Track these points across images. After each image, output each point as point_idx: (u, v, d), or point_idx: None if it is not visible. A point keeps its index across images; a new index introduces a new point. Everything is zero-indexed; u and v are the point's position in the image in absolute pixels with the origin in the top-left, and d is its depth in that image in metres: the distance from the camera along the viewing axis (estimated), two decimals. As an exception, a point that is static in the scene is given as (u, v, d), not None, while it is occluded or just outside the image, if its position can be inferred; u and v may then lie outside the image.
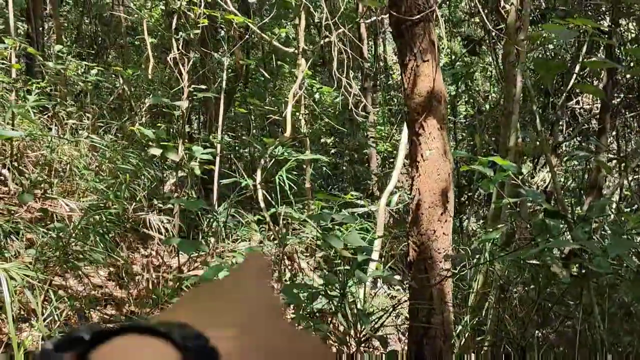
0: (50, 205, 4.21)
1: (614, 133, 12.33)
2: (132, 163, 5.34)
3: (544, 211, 3.43)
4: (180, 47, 4.74)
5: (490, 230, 3.66)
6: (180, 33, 4.79)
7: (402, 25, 3.23)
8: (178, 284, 3.51)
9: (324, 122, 11.92)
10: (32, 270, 3.00)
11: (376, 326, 2.71)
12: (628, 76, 10.53)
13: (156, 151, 3.88)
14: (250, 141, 5.02)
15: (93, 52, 11.20)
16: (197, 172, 4.37)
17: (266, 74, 7.70)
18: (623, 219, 3.28)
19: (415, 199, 3.34)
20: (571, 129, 12.20)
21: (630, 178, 12.35)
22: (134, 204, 4.89)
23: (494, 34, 6.23)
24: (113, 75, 8.06)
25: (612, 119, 10.33)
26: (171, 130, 5.12)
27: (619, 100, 11.23)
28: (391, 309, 2.82)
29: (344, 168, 12.66)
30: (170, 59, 4.67)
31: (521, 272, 3.81)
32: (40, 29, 9.39)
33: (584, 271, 3.25)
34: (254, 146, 4.68)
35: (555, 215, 3.42)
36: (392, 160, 13.24)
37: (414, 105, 3.27)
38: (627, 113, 11.88)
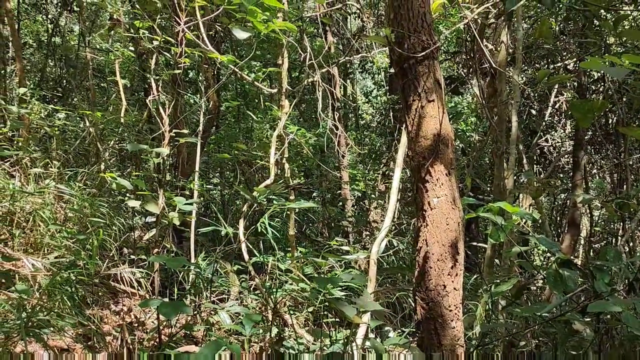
0: (13, 267, 3.79)
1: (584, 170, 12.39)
2: (102, 212, 4.94)
3: (557, 261, 3.19)
4: (159, 89, 4.43)
5: (500, 282, 3.39)
6: (153, 74, 4.50)
7: (404, 64, 3.00)
8: (159, 350, 3.12)
9: (297, 164, 11.68)
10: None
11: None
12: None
13: (135, 203, 3.54)
14: (238, 190, 4.69)
15: (58, 95, 10.80)
16: (177, 222, 4.03)
17: (253, 116, 7.41)
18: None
19: (423, 251, 3.06)
20: (540, 166, 12.21)
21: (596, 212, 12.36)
22: (106, 258, 4.49)
23: (479, 73, 6.12)
24: (79, 119, 7.68)
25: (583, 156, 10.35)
26: (145, 177, 4.77)
27: (587, 138, 11.30)
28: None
29: (318, 210, 12.38)
30: (149, 101, 4.35)
31: (530, 326, 3.53)
32: (2, 72, 8.97)
33: (606, 329, 3.00)
34: (228, 194, 4.36)
35: (569, 264, 3.18)
36: (366, 201, 13.03)
37: (419, 149, 3.02)
38: (593, 151, 11.98)
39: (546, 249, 3.24)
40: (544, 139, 12.15)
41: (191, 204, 3.88)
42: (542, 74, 2.23)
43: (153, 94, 4.31)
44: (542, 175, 12.18)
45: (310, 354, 3.27)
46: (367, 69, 14.88)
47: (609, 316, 3.18)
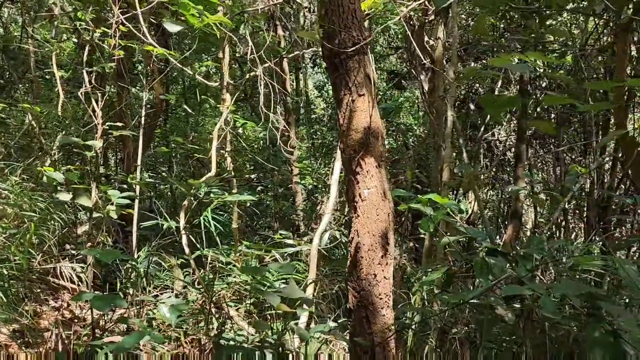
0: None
1: (526, 163, 12.80)
2: (40, 207, 4.85)
3: (485, 250, 3.32)
4: (92, 81, 4.37)
5: (430, 270, 3.51)
6: (94, 67, 4.42)
7: (336, 59, 3.06)
8: (90, 349, 3.11)
9: (248, 158, 11.64)
10: None
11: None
12: (538, 109, 10.94)
13: (65, 196, 3.49)
14: (172, 182, 4.67)
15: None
16: (114, 215, 4.00)
17: (188, 109, 7.36)
18: (573, 261, 3.21)
19: (354, 242, 3.14)
20: (487, 160, 12.57)
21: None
22: (41, 253, 4.41)
23: (419, 68, 6.26)
24: (22, 112, 7.46)
25: (527, 150, 10.69)
26: (84, 171, 4.70)
27: (530, 132, 11.67)
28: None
29: (269, 203, 12.39)
30: (81, 94, 4.29)
31: (462, 313, 3.67)
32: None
33: (528, 314, 3.14)
34: (177, 187, 4.34)
35: (496, 253, 3.32)
36: (316, 194, 13.12)
37: (350, 142, 3.09)
38: (537, 146, 12.37)
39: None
40: (490, 133, 12.49)
41: (127, 197, 3.85)
42: (468, 71, 2.32)
43: (85, 86, 4.25)
44: (487, 169, 12.54)
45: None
46: (318, 63, 14.96)
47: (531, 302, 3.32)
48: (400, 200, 3.52)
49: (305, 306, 4.43)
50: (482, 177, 8.08)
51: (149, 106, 8.20)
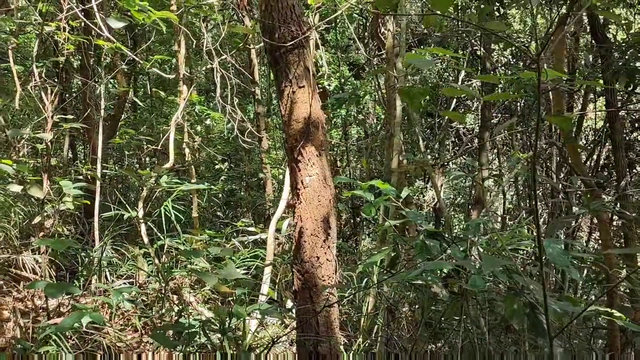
0: None
1: (495, 151, 13.12)
2: None
3: (425, 233, 3.51)
4: (43, 75, 4.44)
5: (375, 253, 3.69)
6: (46, 60, 4.48)
7: (276, 52, 3.20)
8: (43, 332, 3.22)
9: (217, 149, 11.71)
10: None
11: (258, 361, 2.60)
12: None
13: (17, 188, 3.58)
14: (126, 172, 4.77)
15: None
16: (70, 206, 4.09)
17: (138, 101, 7.42)
18: (495, 238, 3.41)
19: (298, 227, 3.30)
20: (456, 148, 12.83)
21: (510, 192, 13.13)
22: (2, 245, 4.48)
23: (375, 59, 6.41)
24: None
25: (491, 137, 10.94)
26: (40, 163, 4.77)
27: (497, 120, 11.95)
28: (271, 344, 2.72)
29: (241, 194, 12.49)
30: (31, 87, 4.36)
31: (406, 293, 3.85)
32: None
33: (462, 289, 3.34)
34: (130, 178, 4.44)
35: (435, 235, 3.50)
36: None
37: (291, 132, 3.24)
38: (501, 132, 12.63)
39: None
40: (457, 122, 12.73)
41: (82, 188, 3.95)
42: (408, 57, 2.43)
43: (35, 80, 4.32)
44: (455, 156, 12.79)
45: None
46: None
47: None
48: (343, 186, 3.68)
49: (263, 290, 4.60)
50: (437, 164, 8.28)
51: (116, 98, 8.26)
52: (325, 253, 3.28)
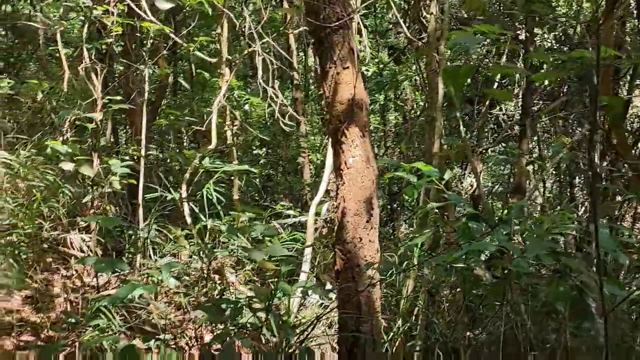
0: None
1: (535, 138, 12.86)
2: (49, 180, 5.06)
3: (467, 215, 3.49)
4: (92, 57, 4.54)
5: (417, 236, 3.69)
6: (94, 43, 4.59)
7: (321, 33, 3.22)
8: (94, 305, 3.33)
9: (255, 134, 11.80)
10: None
11: (302, 338, 2.65)
12: (546, 83, 10.97)
13: (68, 165, 3.69)
14: (171, 154, 4.86)
15: (9, 66, 10.66)
16: (117, 186, 4.20)
17: (185, 84, 7.51)
18: (539, 222, 3.37)
19: (340, 207, 3.32)
20: (496, 135, 12.63)
21: (550, 180, 12.88)
22: (49, 222, 4.63)
23: (416, 43, 6.35)
24: (32, 90, 7.66)
25: (532, 124, 10.74)
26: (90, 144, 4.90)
27: (538, 106, 11.69)
28: (315, 320, 2.77)
29: (278, 179, 12.59)
30: (82, 69, 4.47)
31: (448, 276, 3.85)
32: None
33: (505, 272, 3.31)
34: (176, 159, 4.53)
35: (477, 218, 3.48)
36: (324, 169, 13.29)
37: (335, 113, 3.26)
38: (543, 117, 12.37)
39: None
40: (497, 108, 12.53)
41: (128, 167, 4.04)
42: (451, 43, 2.41)
43: (85, 62, 4.43)
44: (494, 143, 12.59)
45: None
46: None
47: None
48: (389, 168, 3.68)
49: (304, 268, 4.65)
50: (477, 149, 8.18)
51: (157, 83, 8.38)
52: (368, 234, 3.29)
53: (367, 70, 11.91)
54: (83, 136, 7.90)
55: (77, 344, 3.36)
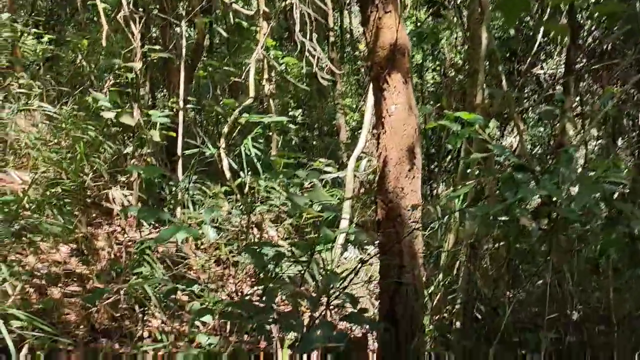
0: (1, 180, 4.01)
1: (577, 98, 12.43)
2: (90, 136, 5.13)
3: (512, 166, 3.39)
4: (130, 6, 4.51)
5: (459, 187, 3.61)
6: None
7: (362, -25, 3.11)
8: (139, 250, 3.38)
9: (291, 95, 11.75)
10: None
11: (345, 284, 2.63)
12: (589, 41, 10.56)
13: (110, 114, 3.70)
14: (211, 104, 4.84)
15: (49, 29, 10.78)
16: (156, 138, 4.21)
17: (223, 32, 7.41)
18: (590, 166, 3.24)
19: (382, 156, 3.26)
20: (536, 95, 12.26)
21: (592, 142, 12.52)
22: (90, 176, 4.70)
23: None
24: (70, 51, 7.75)
25: (576, 83, 10.38)
26: (128, 95, 4.92)
27: (581, 65, 11.27)
28: (359, 265, 2.74)
29: (314, 141, 12.56)
30: (120, 17, 4.45)
31: (491, 229, 3.77)
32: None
33: (552, 224, 3.22)
34: (216, 110, 4.50)
35: (523, 168, 3.37)
36: (360, 130, 13.18)
37: (377, 59, 3.17)
38: (588, 77, 11.94)
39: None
40: (538, 67, 12.15)
41: (167, 116, 4.04)
42: None
43: (123, 10, 4.40)
44: (534, 104, 12.24)
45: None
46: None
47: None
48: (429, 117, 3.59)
49: (343, 223, 4.63)
50: (518, 110, 7.94)
51: (192, 42, 8.35)
52: (410, 183, 3.23)
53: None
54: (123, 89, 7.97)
55: (121, 291, 3.43)
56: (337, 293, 2.48)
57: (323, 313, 2.45)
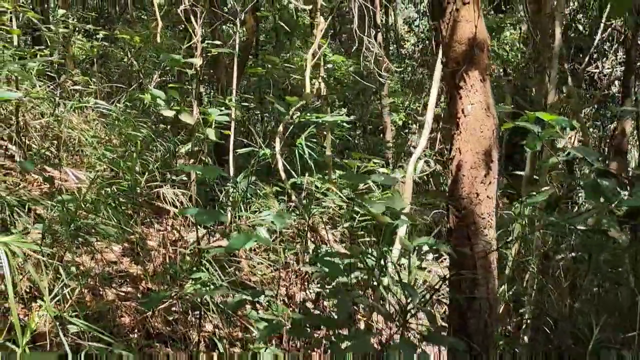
0: (57, 178, 3.94)
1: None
2: (142, 133, 5.04)
3: (596, 171, 3.12)
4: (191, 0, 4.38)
5: (535, 193, 3.36)
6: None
7: (439, -35, 2.90)
8: (197, 257, 3.25)
9: (337, 93, 11.56)
10: (38, 246, 2.74)
11: (423, 300, 2.43)
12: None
13: (169, 112, 3.58)
14: (271, 101, 4.67)
15: (99, 26, 10.89)
16: (213, 137, 4.08)
17: (284, 26, 7.25)
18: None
19: (456, 159, 3.04)
20: (589, 95, 11.76)
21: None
22: (146, 175, 4.61)
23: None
24: (121, 48, 7.75)
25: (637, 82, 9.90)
26: (184, 92, 4.81)
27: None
28: (440, 282, 2.53)
29: (358, 140, 12.35)
30: (181, 11, 4.32)
31: (569, 237, 3.51)
32: (45, 6, 9.06)
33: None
34: (275, 107, 4.33)
35: (608, 174, 3.11)
36: (406, 131, 12.91)
37: (453, 55, 2.95)
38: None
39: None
40: (593, 66, 11.67)
41: (225, 114, 3.89)
42: None
43: (184, 4, 4.28)
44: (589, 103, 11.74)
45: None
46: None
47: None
48: (506, 119, 3.35)
49: (402, 229, 4.42)
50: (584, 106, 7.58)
51: (241, 39, 8.26)
52: (486, 189, 3.00)
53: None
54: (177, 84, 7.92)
55: (177, 295, 3.30)
56: (415, 310, 2.27)
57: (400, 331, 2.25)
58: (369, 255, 2.54)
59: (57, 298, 2.76)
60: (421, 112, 12.96)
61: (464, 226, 3.02)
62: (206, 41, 4.27)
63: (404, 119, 12.59)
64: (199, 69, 4.10)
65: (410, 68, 14.16)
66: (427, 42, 14.41)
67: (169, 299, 3.20)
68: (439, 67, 4.58)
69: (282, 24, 8.36)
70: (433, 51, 13.42)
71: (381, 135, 11.99)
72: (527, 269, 3.88)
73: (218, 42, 4.43)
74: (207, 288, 3.07)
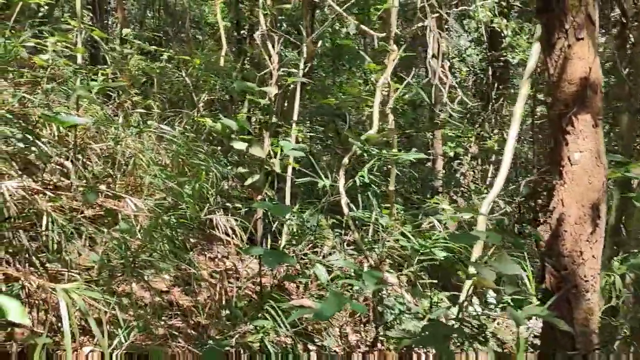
0: (115, 205, 3.76)
1: None
2: (199, 158, 4.85)
3: None
4: (267, 24, 4.18)
5: (637, 252, 2.98)
6: (267, 8, 4.26)
7: (550, -5, 2.60)
8: (260, 301, 2.99)
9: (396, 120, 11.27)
10: (95, 285, 2.53)
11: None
12: None
13: (241, 145, 3.36)
14: (347, 135, 4.42)
15: (155, 45, 10.93)
16: (277, 169, 3.85)
17: (359, 52, 6.98)
18: None
19: (557, 212, 2.70)
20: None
21: None
22: (206, 207, 4.40)
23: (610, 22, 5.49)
24: (177, 68, 7.67)
25: None
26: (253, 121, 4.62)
27: None
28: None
29: (406, 169, 12.03)
30: (258, 36, 4.11)
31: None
32: (105, 22, 9.12)
33: None
34: (349, 142, 4.11)
35: None
36: (457, 162, 12.53)
37: (561, 96, 2.63)
38: None
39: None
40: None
41: (299, 150, 3.66)
42: None
43: (261, 28, 4.07)
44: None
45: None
46: (463, 24, 14.27)
47: None
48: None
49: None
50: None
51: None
52: (591, 248, 2.65)
53: (512, 58, 10.98)
54: (216, 114, 7.78)
55: (239, 345, 3.04)
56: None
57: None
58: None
59: (113, 345, 2.53)
60: (473, 144, 12.61)
61: (563, 288, 2.68)
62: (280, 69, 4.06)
63: (455, 150, 12.28)
64: (273, 98, 3.89)
65: (463, 98, 13.80)
66: (479, 71, 14.10)
67: (230, 348, 2.93)
68: (520, 102, 4.26)
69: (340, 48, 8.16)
70: (488, 82, 13.08)
71: (430, 163, 11.67)
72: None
73: (294, 70, 4.22)
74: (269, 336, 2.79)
